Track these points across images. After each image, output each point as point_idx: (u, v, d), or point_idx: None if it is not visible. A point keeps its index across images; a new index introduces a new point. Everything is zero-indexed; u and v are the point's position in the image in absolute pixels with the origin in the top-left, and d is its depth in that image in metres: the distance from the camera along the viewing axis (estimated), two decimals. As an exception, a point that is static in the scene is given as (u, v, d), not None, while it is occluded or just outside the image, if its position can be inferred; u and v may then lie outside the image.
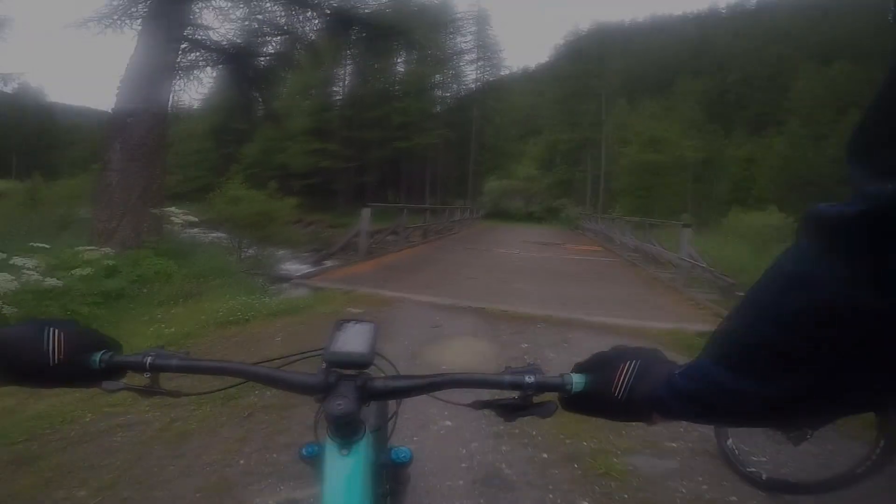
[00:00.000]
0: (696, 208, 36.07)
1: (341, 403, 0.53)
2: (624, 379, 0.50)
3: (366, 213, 8.41)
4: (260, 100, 13.27)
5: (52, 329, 0.56)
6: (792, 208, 30.23)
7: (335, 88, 34.00)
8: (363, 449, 0.56)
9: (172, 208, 6.55)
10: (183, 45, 8.53)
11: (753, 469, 2.03)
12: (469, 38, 35.25)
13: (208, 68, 9.98)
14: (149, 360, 0.59)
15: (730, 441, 2.15)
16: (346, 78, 33.83)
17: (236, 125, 35.13)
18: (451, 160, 33.99)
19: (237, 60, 10.36)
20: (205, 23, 8.91)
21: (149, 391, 0.60)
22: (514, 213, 41.71)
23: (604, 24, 36.80)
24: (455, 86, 35.07)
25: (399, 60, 34.20)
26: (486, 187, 41.68)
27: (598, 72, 32.52)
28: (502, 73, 36.60)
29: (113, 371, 0.59)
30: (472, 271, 8.08)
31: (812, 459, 2.19)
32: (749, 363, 0.39)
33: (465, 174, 33.99)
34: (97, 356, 0.58)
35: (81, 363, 0.57)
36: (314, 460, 0.63)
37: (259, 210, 14.12)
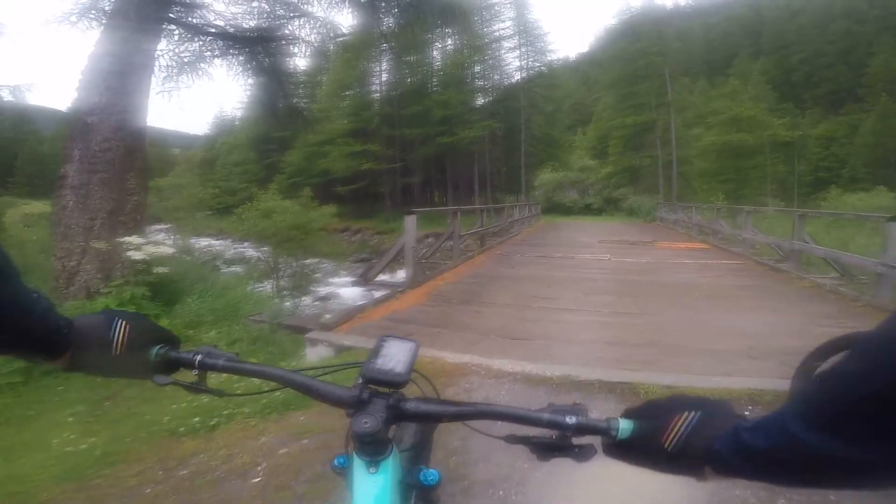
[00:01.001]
0: (781, 192, 31.94)
1: (367, 422, 0.53)
2: (678, 430, 0.47)
3: (410, 222, 6.19)
4: (283, 95, 11.55)
5: (120, 321, 0.60)
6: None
7: (372, 86, 32.30)
8: (390, 468, 0.56)
9: (134, 238, 4.59)
10: (175, 31, 6.77)
11: None
12: (508, 23, 32.42)
13: (217, 60, 8.24)
14: (198, 358, 0.62)
15: None
16: (383, 74, 32.07)
17: (277, 133, 34.51)
18: (500, 154, 31.34)
19: (251, 49, 8.65)
20: (205, 2, 7.05)
21: (195, 388, 0.62)
22: (569, 206, 39.11)
23: (652, 4, 32.62)
24: (497, 75, 32.26)
25: (435, 52, 32.09)
26: (537, 180, 38.89)
27: (658, 49, 28.66)
28: (549, 59, 33.24)
29: (166, 365, 0.63)
30: (560, 293, 5.71)
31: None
32: (849, 424, 0.36)
33: (515, 168, 31.20)
34: (154, 350, 0.62)
35: (140, 355, 0.61)
36: (344, 471, 0.62)
37: (294, 223, 12.45)
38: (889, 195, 23.80)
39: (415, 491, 0.69)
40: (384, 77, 31.99)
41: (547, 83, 32.79)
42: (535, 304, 5.18)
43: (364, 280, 6.43)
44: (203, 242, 22.87)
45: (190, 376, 0.63)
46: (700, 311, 4.89)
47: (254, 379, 0.64)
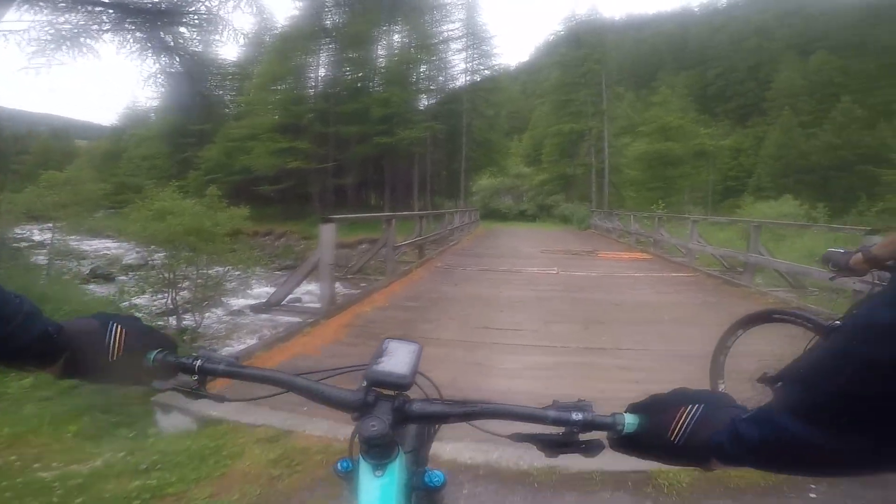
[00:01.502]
0: (699, 200, 33.85)
1: (375, 424, 0.52)
2: (683, 423, 0.48)
3: (328, 233, 4.84)
4: (191, 79, 9.91)
5: (116, 325, 0.58)
6: (803, 196, 28.34)
7: (308, 80, 30.16)
8: (397, 470, 0.55)
9: None
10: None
11: None
12: (457, 24, 31.66)
13: (108, 34, 6.75)
14: (198, 363, 0.61)
15: None
16: (321, 69, 30.10)
17: (195, 126, 31.32)
18: (441, 157, 30.40)
19: (152, 25, 7.15)
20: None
21: (195, 393, 0.61)
22: (505, 212, 39.24)
23: (596, 13, 33.51)
24: (443, 77, 31.35)
25: (381, 49, 30.65)
26: (475, 186, 38.52)
27: (598, 56, 29.25)
28: (494, 63, 32.77)
29: (165, 370, 0.60)
30: (515, 321, 4.69)
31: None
32: (826, 414, 0.38)
33: (455, 172, 30.38)
34: (152, 354, 0.59)
35: (137, 361, 0.58)
36: (348, 476, 0.60)
37: (194, 226, 10.55)
38: (794, 203, 25.79)
39: (420, 493, 0.66)
40: (322, 72, 30.03)
41: (490, 87, 32.40)
42: (488, 340, 4.10)
43: (268, 306, 5.01)
44: (96, 245, 19.79)
45: (191, 381, 0.61)
46: (680, 342, 4.06)
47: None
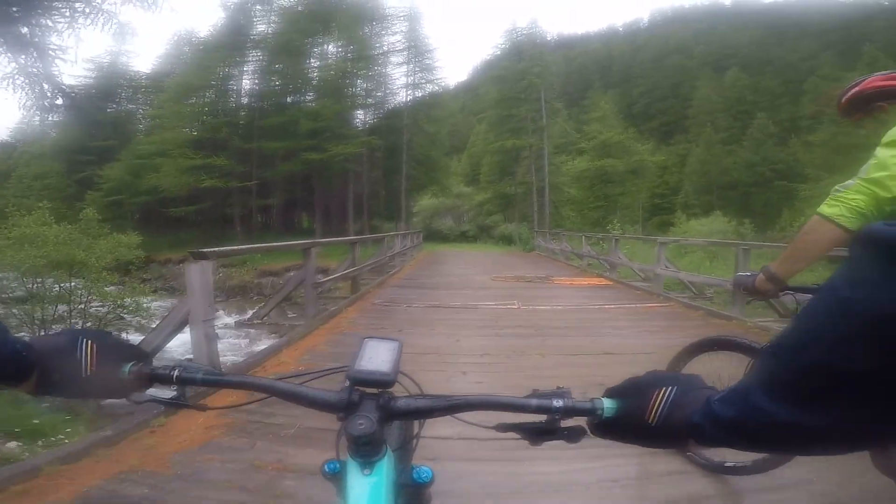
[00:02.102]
0: (627, 218, 33.96)
1: (363, 423, 0.52)
2: (659, 405, 0.49)
3: (197, 275, 3.14)
4: (48, 77, 8.24)
5: (85, 340, 0.57)
6: (728, 212, 29.76)
7: (231, 91, 27.62)
8: (385, 468, 0.55)
9: None
10: None
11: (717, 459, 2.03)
12: (398, 37, 30.39)
13: None
14: (175, 372, 0.60)
15: None
16: (244, 80, 27.72)
17: (96, 143, 27.74)
18: (379, 176, 28.73)
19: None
20: None
21: (175, 403, 0.61)
22: (446, 233, 38.37)
23: (536, 27, 33.75)
24: (381, 91, 29.82)
25: (313, 60, 28.74)
26: (417, 206, 37.25)
27: (538, 70, 29.03)
28: (436, 77, 31.50)
29: (141, 383, 0.59)
30: (481, 389, 3.23)
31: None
32: (796, 390, 0.38)
33: (395, 192, 28.81)
34: (127, 367, 0.59)
35: (112, 374, 0.58)
36: (336, 477, 0.60)
37: (62, 257, 8.41)
38: (723, 219, 26.77)
39: (409, 489, 0.66)
40: (246, 84, 27.61)
41: (431, 101, 31.24)
42: (455, 445, 2.57)
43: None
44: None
45: (169, 392, 0.60)
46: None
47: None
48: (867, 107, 1.49)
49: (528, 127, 28.50)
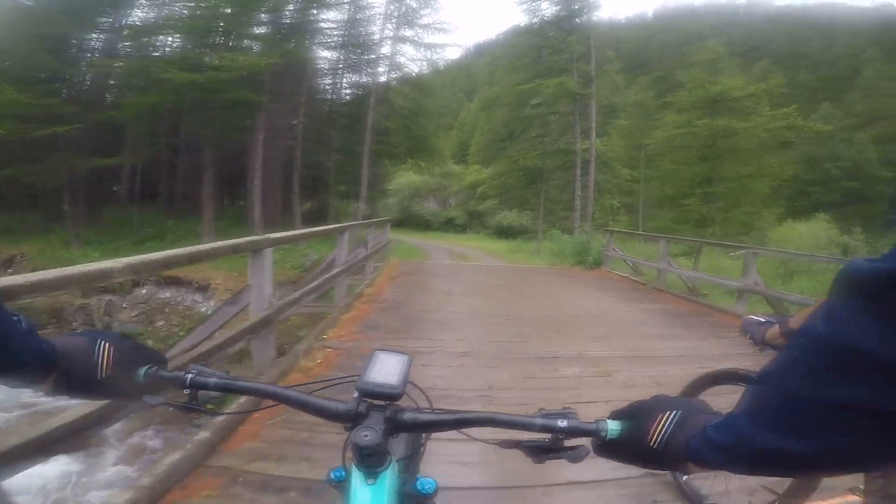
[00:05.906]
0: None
1: (368, 434, 0.53)
2: (662, 429, 0.49)
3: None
4: None
5: (103, 342, 0.57)
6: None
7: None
8: (388, 479, 0.56)
9: None
10: None
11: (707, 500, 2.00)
12: None
13: None
14: (189, 377, 0.60)
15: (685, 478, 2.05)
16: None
17: None
18: (345, 137, 19.77)
19: None
20: None
21: (188, 408, 0.61)
22: (429, 219, 30.68)
23: None
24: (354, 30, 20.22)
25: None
26: (393, 183, 29.30)
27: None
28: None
29: (155, 386, 0.60)
30: None
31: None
32: (781, 420, 0.39)
33: (357, 159, 19.79)
34: (142, 371, 0.60)
35: (127, 377, 0.58)
36: (340, 484, 0.61)
37: None
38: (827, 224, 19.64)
39: (412, 500, 0.66)
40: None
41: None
42: None
43: None
44: None
45: (181, 396, 0.61)
46: None
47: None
48: None
49: (572, 68, 18.47)
